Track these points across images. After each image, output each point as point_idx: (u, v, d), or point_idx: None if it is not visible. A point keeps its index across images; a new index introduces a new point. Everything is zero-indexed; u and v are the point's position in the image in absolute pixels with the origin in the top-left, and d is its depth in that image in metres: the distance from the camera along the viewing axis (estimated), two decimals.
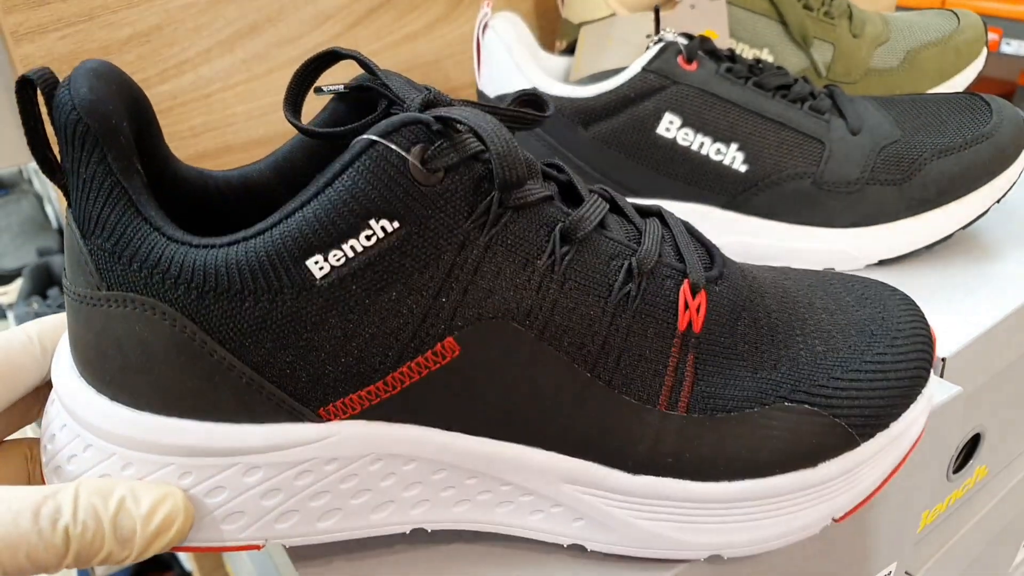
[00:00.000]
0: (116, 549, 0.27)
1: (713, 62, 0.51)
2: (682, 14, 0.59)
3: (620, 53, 0.57)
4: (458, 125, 0.27)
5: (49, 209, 1.43)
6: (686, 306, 0.31)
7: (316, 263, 0.27)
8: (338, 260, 0.27)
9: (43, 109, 0.27)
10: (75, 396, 0.29)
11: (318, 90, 0.31)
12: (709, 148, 0.49)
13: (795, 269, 0.37)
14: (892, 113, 0.52)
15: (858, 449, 0.32)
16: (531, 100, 0.31)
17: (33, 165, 0.29)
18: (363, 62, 0.30)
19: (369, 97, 0.31)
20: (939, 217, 0.50)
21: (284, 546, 0.32)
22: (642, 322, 0.30)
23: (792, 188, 0.49)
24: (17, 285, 1.23)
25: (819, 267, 0.50)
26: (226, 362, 0.28)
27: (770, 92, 0.50)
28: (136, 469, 0.29)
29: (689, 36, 0.51)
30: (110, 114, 0.26)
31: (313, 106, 0.32)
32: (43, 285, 1.21)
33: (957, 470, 0.52)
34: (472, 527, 0.32)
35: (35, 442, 0.33)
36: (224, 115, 0.58)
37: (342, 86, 0.31)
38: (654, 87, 0.49)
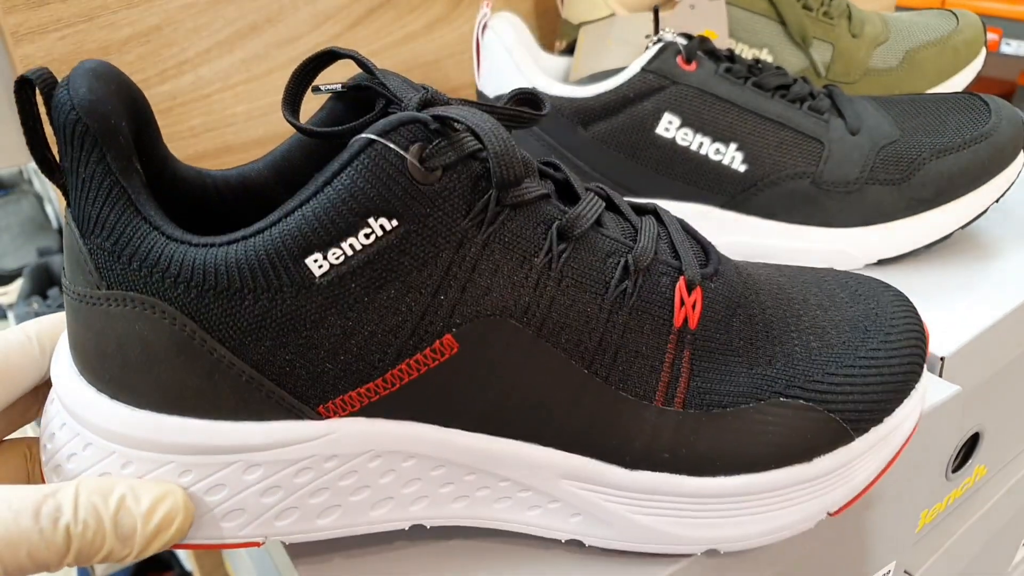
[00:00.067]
0: (117, 547, 0.27)
1: (712, 62, 0.51)
2: (681, 14, 0.59)
3: (619, 53, 0.57)
4: (456, 124, 0.28)
5: (49, 209, 1.43)
6: (682, 303, 0.31)
7: (315, 261, 0.27)
8: (337, 258, 0.27)
9: (42, 109, 0.27)
10: (74, 395, 0.29)
11: (316, 89, 0.31)
12: (708, 148, 0.49)
13: (790, 266, 0.37)
14: (891, 113, 0.52)
15: (852, 444, 0.32)
16: (528, 99, 0.31)
17: (33, 165, 0.29)
18: (361, 61, 0.30)
19: (367, 96, 0.31)
20: (938, 217, 0.50)
21: (284, 543, 0.33)
22: (638, 319, 0.31)
23: (791, 188, 0.49)
24: (17, 285, 1.23)
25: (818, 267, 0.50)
26: (226, 360, 0.28)
27: (769, 92, 0.50)
28: (136, 467, 0.29)
29: (688, 36, 0.51)
30: (109, 114, 0.26)
31: (312, 106, 0.32)
32: (43, 285, 1.21)
33: (956, 469, 0.52)
34: (470, 523, 0.33)
35: (35, 441, 0.33)
36: (223, 115, 0.59)
37: (340, 85, 0.31)
38: (653, 87, 0.49)
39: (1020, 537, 0.67)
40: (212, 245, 0.27)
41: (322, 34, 0.61)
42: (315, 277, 0.27)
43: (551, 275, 0.29)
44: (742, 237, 0.51)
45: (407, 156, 0.27)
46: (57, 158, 0.27)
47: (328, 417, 0.29)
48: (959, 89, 0.66)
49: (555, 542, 0.33)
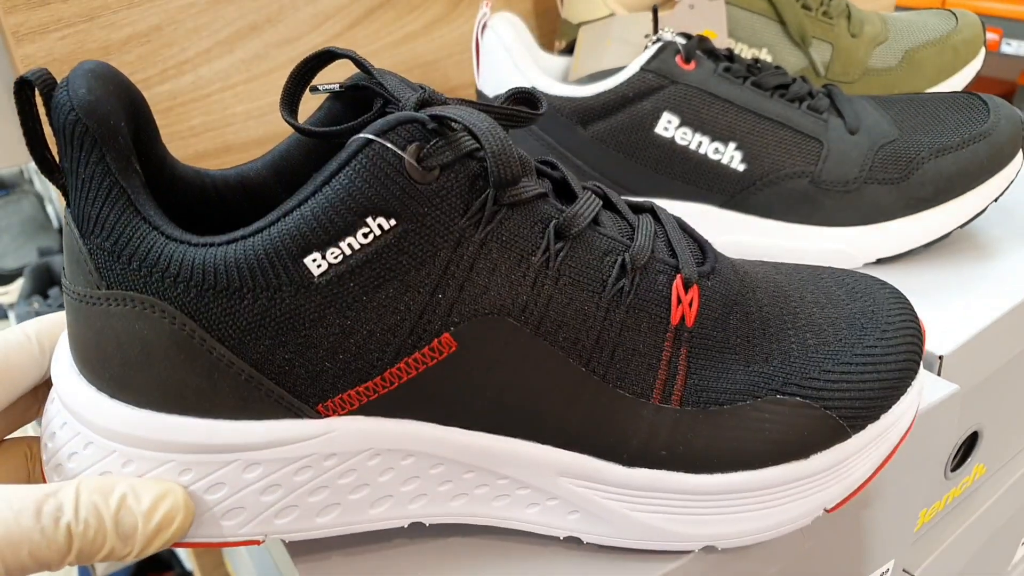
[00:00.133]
0: (118, 546, 0.27)
1: (711, 62, 0.51)
2: (681, 14, 0.59)
3: (619, 53, 0.57)
4: (453, 123, 0.28)
5: (50, 209, 1.43)
6: (679, 301, 0.31)
7: (314, 261, 0.27)
8: (335, 258, 0.27)
9: (42, 110, 0.27)
10: (75, 394, 0.29)
11: (314, 89, 0.31)
12: (707, 147, 0.50)
13: (786, 264, 0.38)
14: (890, 112, 0.52)
15: (849, 441, 0.32)
16: (525, 98, 0.31)
17: (34, 165, 0.29)
18: (358, 61, 0.30)
19: (365, 96, 0.31)
20: (937, 216, 0.50)
21: (283, 542, 0.33)
22: (636, 317, 0.31)
23: (790, 187, 0.50)
24: (18, 285, 1.23)
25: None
26: (225, 359, 0.28)
27: (768, 91, 0.50)
28: (136, 466, 0.29)
29: (687, 36, 0.51)
30: (108, 115, 0.26)
31: (311, 106, 0.32)
32: (44, 285, 1.21)
33: (955, 468, 0.52)
34: (469, 521, 0.33)
35: (35, 440, 0.33)
36: (223, 115, 0.59)
37: (338, 85, 0.31)
38: (652, 87, 0.49)
39: (1019, 536, 0.67)
40: (211, 245, 0.27)
41: (322, 34, 0.61)
42: (314, 276, 0.27)
43: (548, 274, 0.30)
44: (741, 236, 0.51)
45: (405, 156, 0.27)
46: (57, 158, 0.28)
47: (327, 416, 0.30)
48: (958, 89, 0.67)
49: (553, 539, 0.33)
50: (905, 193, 0.49)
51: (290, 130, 0.31)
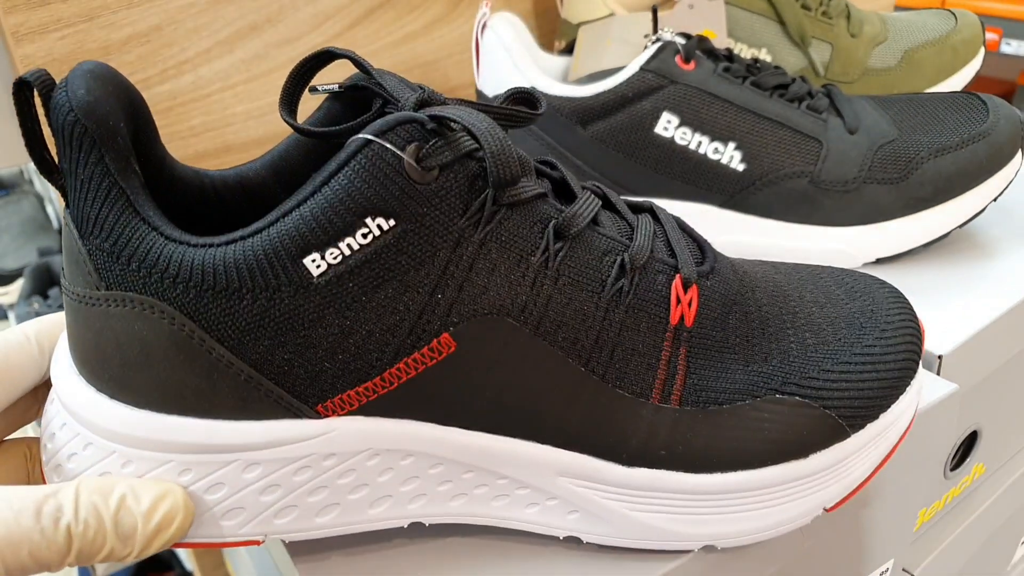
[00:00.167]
0: (118, 547, 0.27)
1: (711, 61, 0.51)
2: (680, 14, 0.59)
3: (618, 53, 0.57)
4: (452, 124, 0.28)
5: (50, 209, 1.43)
6: (678, 300, 0.31)
7: (313, 261, 0.27)
8: (335, 258, 0.27)
9: (41, 111, 0.27)
10: (74, 395, 0.29)
11: (313, 89, 0.31)
12: (707, 147, 0.50)
13: (786, 263, 0.38)
14: (889, 112, 0.52)
15: (848, 440, 0.32)
16: (524, 98, 0.31)
17: (34, 165, 0.29)
18: (357, 61, 0.30)
19: (364, 96, 0.31)
20: (936, 216, 0.50)
21: (283, 541, 0.33)
22: (635, 317, 0.31)
23: (789, 187, 0.50)
24: (18, 285, 1.23)
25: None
26: (225, 360, 0.28)
27: (768, 91, 0.50)
28: (136, 467, 0.29)
29: (687, 36, 0.51)
30: (107, 115, 0.26)
31: (310, 106, 0.32)
32: (44, 285, 1.21)
33: (954, 468, 0.52)
34: (469, 520, 0.33)
35: (35, 441, 0.33)
36: (223, 115, 0.59)
37: (337, 85, 0.31)
38: (652, 86, 0.49)
39: (1019, 535, 0.67)
40: (210, 245, 0.27)
41: (322, 34, 0.61)
42: (313, 277, 0.27)
43: (548, 274, 0.30)
44: (740, 236, 0.51)
45: (404, 156, 0.27)
46: (56, 159, 0.28)
47: (327, 416, 0.30)
48: (958, 89, 0.67)
49: (553, 539, 0.33)
50: (904, 193, 0.49)
51: (290, 130, 0.31)
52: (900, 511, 0.43)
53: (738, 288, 0.33)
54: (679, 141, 0.50)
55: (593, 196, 0.31)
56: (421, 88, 0.29)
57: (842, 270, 0.37)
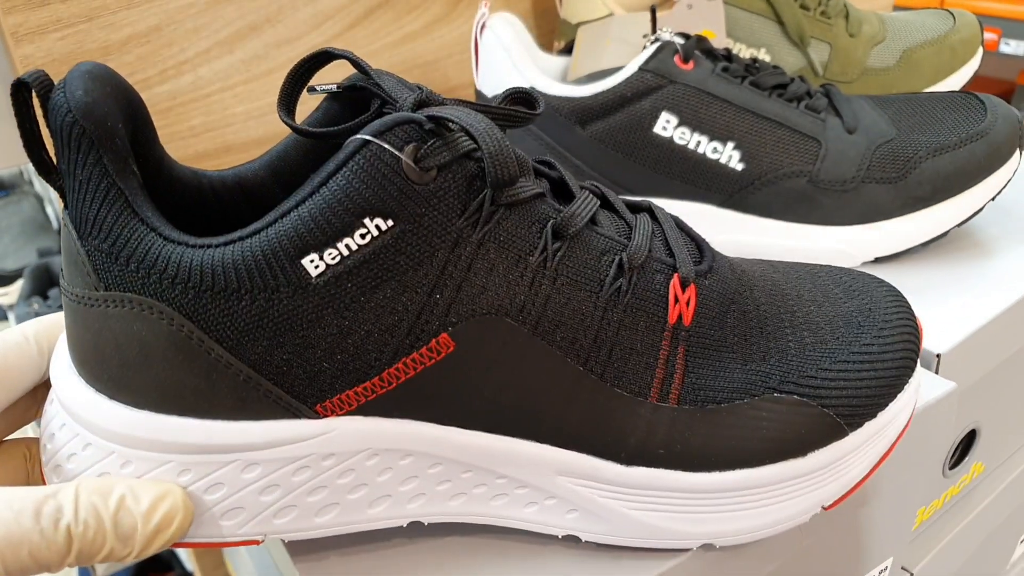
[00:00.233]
0: (117, 547, 0.27)
1: (710, 61, 0.51)
2: (679, 14, 0.59)
3: (617, 53, 0.57)
4: (450, 124, 0.28)
5: (50, 210, 1.43)
6: (676, 300, 0.31)
7: (311, 261, 0.27)
8: (333, 258, 0.27)
9: (39, 111, 0.27)
10: (74, 395, 0.29)
11: (311, 90, 0.31)
12: (706, 147, 0.50)
13: (784, 262, 0.38)
14: (888, 112, 0.52)
15: (846, 438, 0.32)
16: (522, 98, 0.32)
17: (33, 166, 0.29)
18: (356, 62, 0.30)
19: (362, 97, 0.31)
20: (934, 215, 0.50)
21: (283, 541, 0.33)
22: (633, 316, 0.31)
23: (788, 186, 0.50)
24: (18, 286, 1.23)
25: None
26: (223, 360, 0.28)
27: (766, 91, 0.50)
28: (135, 467, 0.29)
29: (686, 36, 0.51)
30: (106, 116, 0.26)
31: (309, 106, 0.32)
32: (44, 286, 1.21)
33: (953, 466, 0.53)
34: (468, 520, 0.33)
35: (34, 441, 0.33)
36: (223, 115, 0.59)
37: (335, 86, 0.31)
38: (651, 86, 0.49)
39: (1018, 534, 0.67)
40: (209, 246, 0.27)
41: (321, 34, 0.62)
42: (311, 277, 0.27)
43: (546, 273, 0.30)
44: (739, 236, 0.51)
45: (402, 156, 0.27)
46: (54, 160, 0.28)
47: (326, 416, 0.30)
48: (956, 88, 0.67)
49: (552, 538, 0.33)
50: (903, 192, 0.49)
51: (290, 131, 0.31)
52: (899, 509, 0.44)
53: (736, 287, 0.33)
54: (678, 141, 0.50)
55: (591, 196, 0.31)
56: (419, 88, 0.29)
57: (840, 269, 0.37)
